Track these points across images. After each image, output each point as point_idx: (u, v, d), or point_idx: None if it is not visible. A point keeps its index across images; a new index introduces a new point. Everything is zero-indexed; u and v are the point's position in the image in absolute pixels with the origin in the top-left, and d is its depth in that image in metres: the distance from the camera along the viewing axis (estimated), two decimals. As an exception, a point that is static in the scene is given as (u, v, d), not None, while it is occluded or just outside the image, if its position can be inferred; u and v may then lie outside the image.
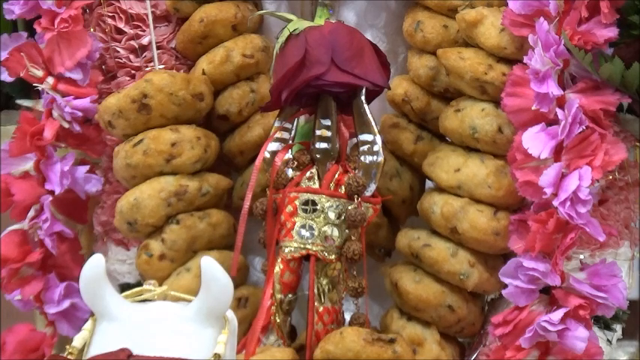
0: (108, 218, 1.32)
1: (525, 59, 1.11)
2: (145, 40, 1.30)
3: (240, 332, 1.04)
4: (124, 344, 0.90)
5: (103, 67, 1.31)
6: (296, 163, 1.20)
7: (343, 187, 1.17)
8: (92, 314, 0.95)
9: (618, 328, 1.22)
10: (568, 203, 1.07)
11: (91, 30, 1.29)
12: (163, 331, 0.92)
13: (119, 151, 1.25)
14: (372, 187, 1.19)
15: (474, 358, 1.24)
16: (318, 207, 1.17)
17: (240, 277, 1.27)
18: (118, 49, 1.30)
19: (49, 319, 1.28)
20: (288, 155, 1.20)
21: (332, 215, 1.17)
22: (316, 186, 1.18)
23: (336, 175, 1.18)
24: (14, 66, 1.25)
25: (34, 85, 1.26)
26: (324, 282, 1.17)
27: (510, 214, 1.17)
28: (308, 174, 1.19)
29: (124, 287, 1.29)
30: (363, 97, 1.19)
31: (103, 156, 1.33)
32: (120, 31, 1.30)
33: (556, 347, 1.09)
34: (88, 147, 1.30)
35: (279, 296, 1.17)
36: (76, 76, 1.25)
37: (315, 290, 1.17)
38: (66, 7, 1.23)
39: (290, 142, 1.22)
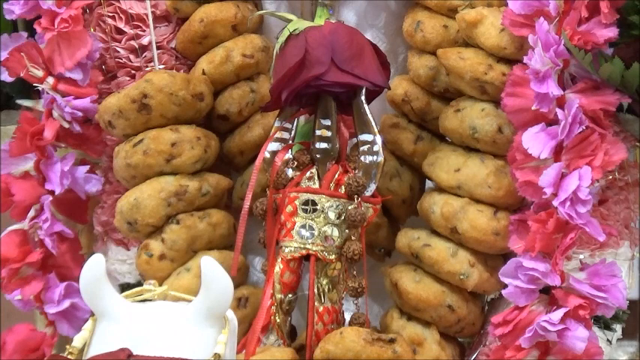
0: (108, 218, 1.32)
1: (525, 59, 1.11)
2: (145, 40, 1.30)
3: (240, 332, 1.04)
4: (124, 344, 0.90)
5: (103, 67, 1.31)
6: (296, 163, 1.20)
7: (343, 187, 1.17)
8: (92, 314, 0.95)
9: (618, 328, 1.22)
10: (568, 203, 1.07)
11: (91, 30, 1.30)
12: (163, 331, 0.92)
13: (119, 151, 1.25)
14: (372, 187, 1.19)
15: (473, 358, 1.24)
16: (318, 207, 1.17)
17: (240, 277, 1.27)
18: (118, 49, 1.30)
19: (49, 319, 1.28)
20: (288, 155, 1.20)
21: (332, 215, 1.17)
22: (316, 186, 1.18)
23: (336, 175, 1.18)
24: (14, 66, 1.25)
25: (34, 85, 1.26)
26: (324, 282, 1.17)
27: (510, 214, 1.17)
28: (308, 174, 1.19)
29: (124, 287, 1.29)
30: (363, 97, 1.19)
31: (103, 156, 1.33)
32: (120, 31, 1.30)
33: (556, 347, 1.09)
34: (88, 147, 1.30)
35: (279, 296, 1.17)
36: (76, 76, 1.25)
37: (315, 290, 1.17)
38: (66, 7, 1.24)
39: (290, 142, 1.22)
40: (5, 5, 1.27)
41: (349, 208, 1.17)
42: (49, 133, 1.25)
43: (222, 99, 1.30)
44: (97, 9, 1.31)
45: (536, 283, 1.09)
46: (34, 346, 1.26)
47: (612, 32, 1.07)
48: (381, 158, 1.19)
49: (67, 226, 1.28)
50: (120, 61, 1.31)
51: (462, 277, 1.19)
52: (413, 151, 1.29)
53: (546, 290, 1.11)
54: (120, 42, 1.30)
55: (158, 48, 1.30)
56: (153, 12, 1.30)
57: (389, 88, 1.24)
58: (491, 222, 1.18)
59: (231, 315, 0.95)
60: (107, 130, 1.26)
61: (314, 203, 1.17)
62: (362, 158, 1.19)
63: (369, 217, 1.18)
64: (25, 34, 1.28)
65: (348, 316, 1.21)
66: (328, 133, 1.19)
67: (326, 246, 1.17)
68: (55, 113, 1.26)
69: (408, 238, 1.23)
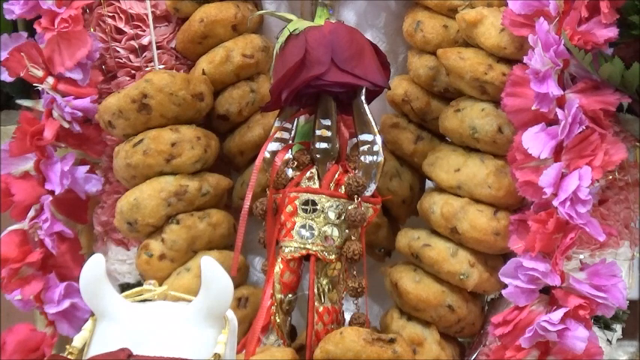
0: (108, 218, 1.32)
1: (525, 59, 1.11)
2: (145, 40, 1.30)
3: (240, 332, 1.04)
4: (124, 344, 0.90)
5: (103, 67, 1.31)
6: (296, 163, 1.20)
7: (343, 187, 1.17)
8: (92, 314, 0.95)
9: (618, 328, 1.22)
10: (568, 203, 1.07)
11: (91, 30, 1.30)
12: (163, 331, 0.92)
13: (119, 151, 1.25)
14: (372, 187, 1.19)
15: (473, 358, 1.24)
16: (318, 207, 1.17)
17: (240, 277, 1.27)
18: (118, 49, 1.30)
19: (49, 319, 1.28)
20: (288, 155, 1.20)
21: (332, 215, 1.17)
22: (316, 186, 1.18)
23: (336, 175, 1.18)
24: (14, 66, 1.25)
25: (34, 85, 1.26)
26: (324, 282, 1.17)
27: (510, 214, 1.17)
28: (308, 174, 1.19)
29: (124, 287, 1.30)
30: (363, 97, 1.19)
31: (103, 156, 1.33)
32: (120, 31, 1.30)
33: (556, 347, 1.09)
34: (88, 147, 1.30)
35: (279, 296, 1.17)
36: (76, 76, 1.25)
37: (315, 290, 1.17)
38: (66, 7, 1.24)
39: (290, 142, 1.22)
40: (5, 5, 1.27)
41: (349, 208, 1.17)
42: (49, 133, 1.25)
43: (222, 99, 1.30)
44: (97, 9, 1.31)
45: (536, 283, 1.09)
46: (34, 346, 1.26)
47: (612, 32, 1.07)
48: (381, 158, 1.18)
49: (67, 226, 1.28)
50: (120, 61, 1.31)
51: (462, 277, 1.19)
52: (413, 151, 1.29)
53: (546, 290, 1.11)
54: (120, 42, 1.30)
55: (158, 48, 1.30)
56: (153, 12, 1.30)
57: (389, 88, 1.24)
58: (491, 222, 1.17)
59: (231, 315, 0.95)
60: (107, 130, 1.26)
61: (314, 203, 1.17)
62: (362, 158, 1.19)
63: (369, 217, 1.18)
64: (25, 34, 1.28)
65: (348, 316, 1.21)
66: (328, 133, 1.19)
67: (326, 246, 1.17)
68: (55, 113, 1.26)
69: (408, 238, 1.23)
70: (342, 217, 1.17)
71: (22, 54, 1.24)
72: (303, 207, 1.17)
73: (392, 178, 1.30)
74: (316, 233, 1.16)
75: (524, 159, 1.11)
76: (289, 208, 1.17)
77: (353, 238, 1.17)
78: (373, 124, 1.19)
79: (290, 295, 1.18)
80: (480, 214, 1.18)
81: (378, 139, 1.19)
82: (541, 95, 1.09)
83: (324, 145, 1.19)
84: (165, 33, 1.31)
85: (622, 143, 1.10)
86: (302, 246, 1.17)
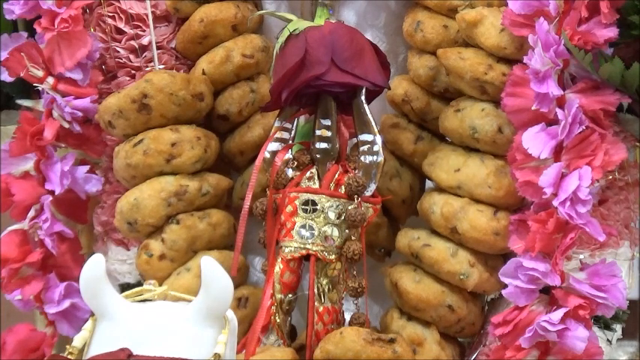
0: (108, 218, 1.32)
1: (525, 59, 1.11)
2: (145, 40, 1.30)
3: (240, 332, 1.04)
4: (124, 344, 0.90)
5: (103, 67, 1.31)
6: (296, 163, 1.20)
7: (343, 187, 1.17)
8: (92, 314, 0.95)
9: (618, 328, 1.22)
10: (568, 203, 1.07)
11: (91, 30, 1.30)
12: (163, 331, 0.92)
13: (119, 151, 1.25)
14: (372, 187, 1.19)
15: (473, 358, 1.24)
16: (318, 207, 1.17)
17: (240, 277, 1.27)
18: (118, 49, 1.30)
19: (49, 319, 1.28)
20: (288, 155, 1.20)
21: (332, 215, 1.17)
22: (316, 186, 1.18)
23: (336, 175, 1.18)
24: (14, 66, 1.25)
25: (34, 85, 1.26)
26: (324, 282, 1.17)
27: (510, 214, 1.17)
28: (308, 174, 1.19)
29: (124, 287, 1.30)
30: (363, 97, 1.19)
31: (103, 156, 1.33)
32: (120, 31, 1.30)
33: (556, 347, 1.09)
34: (88, 147, 1.30)
35: (279, 296, 1.17)
36: (76, 76, 1.25)
37: (315, 290, 1.17)
38: (66, 7, 1.24)
39: (290, 142, 1.22)
40: (5, 5, 1.27)
41: (349, 208, 1.17)
42: (49, 133, 1.25)
43: (222, 99, 1.30)
44: (97, 9, 1.31)
45: (536, 283, 1.09)
46: (34, 346, 1.26)
47: (612, 32, 1.07)
48: (381, 158, 1.19)
49: (67, 226, 1.28)
50: (120, 61, 1.31)
51: (462, 277, 1.19)
52: (413, 151, 1.29)
53: (546, 290, 1.11)
54: (120, 42, 1.30)
55: (158, 48, 1.30)
56: (153, 12, 1.30)
57: (389, 88, 1.24)
58: (491, 222, 1.17)
59: (231, 315, 0.95)
60: (107, 130, 1.26)
61: (314, 203, 1.17)
62: (362, 158, 1.19)
63: (369, 217, 1.18)
64: (25, 34, 1.28)
65: (348, 316, 1.21)
66: (328, 133, 1.19)
67: (326, 246, 1.17)
68: (55, 113, 1.26)
69: (408, 238, 1.23)
70: (342, 217, 1.17)
71: (22, 54, 1.24)
72: (303, 207, 1.17)
73: (392, 178, 1.30)
74: (316, 233, 1.16)
75: (524, 159, 1.11)
76: (289, 208, 1.17)
77: (353, 238, 1.17)
78: (373, 124, 1.19)
79: (290, 295, 1.18)
80: (480, 214, 1.18)
81: (378, 139, 1.19)
82: (541, 95, 1.09)
83: (324, 145, 1.19)
84: (166, 33, 1.31)
85: (622, 143, 1.11)
86: (302, 246, 1.17)
